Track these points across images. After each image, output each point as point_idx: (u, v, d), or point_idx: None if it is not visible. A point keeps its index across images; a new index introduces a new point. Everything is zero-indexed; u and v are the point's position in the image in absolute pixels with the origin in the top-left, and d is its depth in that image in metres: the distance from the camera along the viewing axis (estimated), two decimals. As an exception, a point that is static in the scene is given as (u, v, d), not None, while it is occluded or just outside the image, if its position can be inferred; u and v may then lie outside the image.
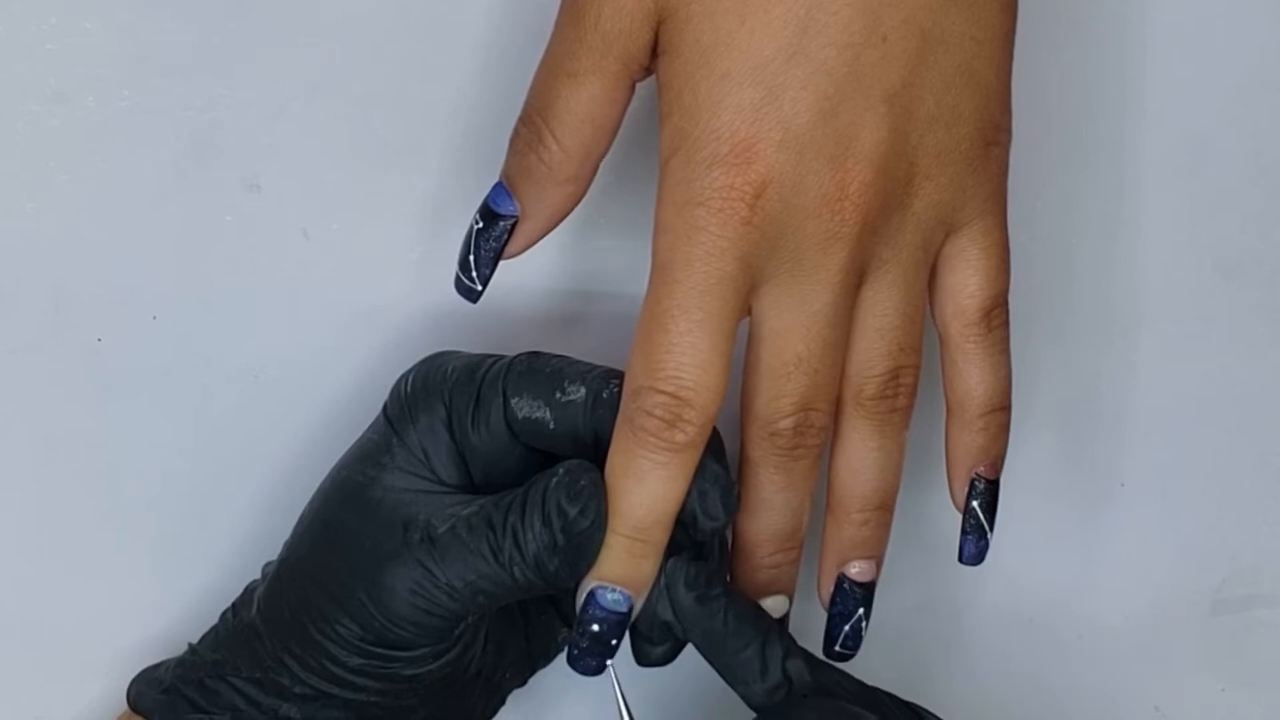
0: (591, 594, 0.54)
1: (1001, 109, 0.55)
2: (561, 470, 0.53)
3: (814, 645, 0.58)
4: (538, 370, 0.55)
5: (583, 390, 0.55)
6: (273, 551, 0.57)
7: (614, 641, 0.54)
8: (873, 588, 0.58)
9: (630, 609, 0.54)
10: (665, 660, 0.57)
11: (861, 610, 0.58)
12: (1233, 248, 0.67)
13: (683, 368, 0.52)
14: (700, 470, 0.53)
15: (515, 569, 0.53)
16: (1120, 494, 0.68)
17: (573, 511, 0.53)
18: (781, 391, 0.54)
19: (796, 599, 0.58)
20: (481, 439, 0.55)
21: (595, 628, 0.54)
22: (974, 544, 0.59)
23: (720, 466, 0.54)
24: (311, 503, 0.57)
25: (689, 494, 0.54)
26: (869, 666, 0.65)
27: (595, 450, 0.54)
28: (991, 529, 0.59)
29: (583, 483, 0.53)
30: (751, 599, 0.56)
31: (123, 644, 0.61)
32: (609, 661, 0.55)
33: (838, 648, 0.58)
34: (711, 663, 0.55)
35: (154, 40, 0.58)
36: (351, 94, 0.60)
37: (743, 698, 0.55)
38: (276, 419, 0.62)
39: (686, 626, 0.55)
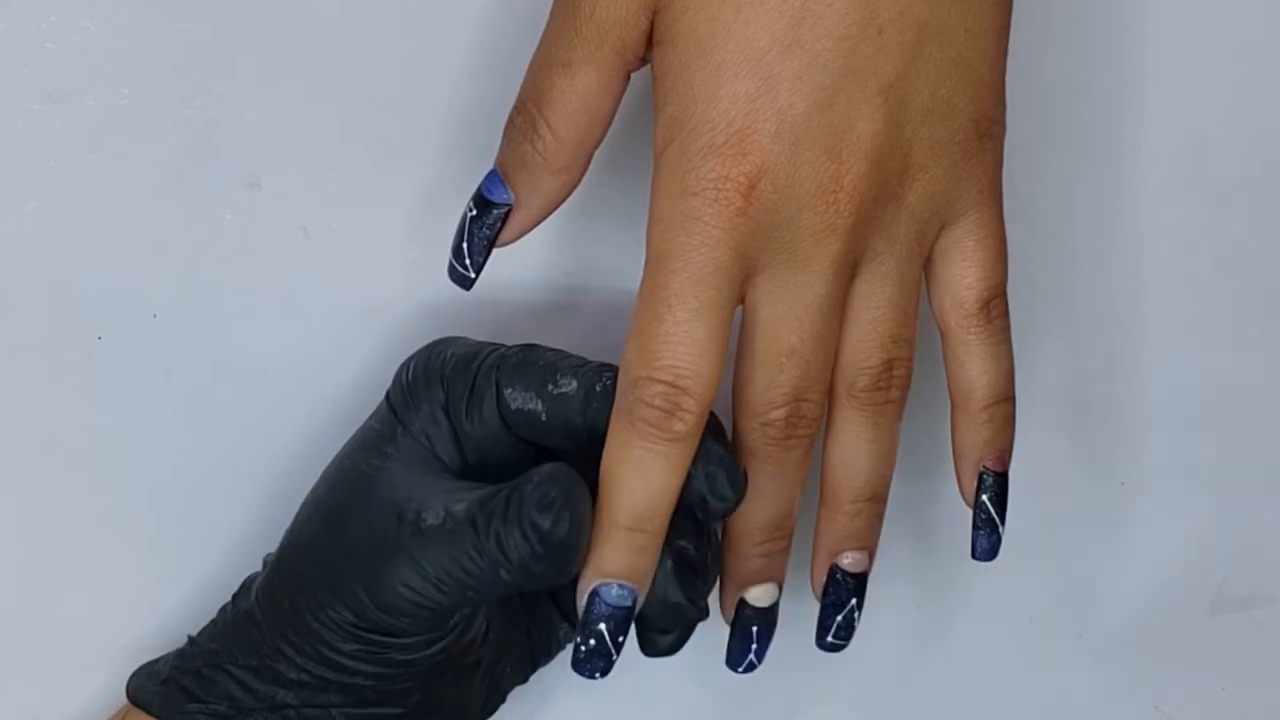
0: (595, 593, 0.53)
1: (995, 101, 0.55)
2: (534, 481, 0.53)
3: (806, 635, 0.58)
4: (531, 362, 0.55)
5: (575, 384, 0.55)
6: (271, 550, 0.57)
7: (620, 639, 0.54)
8: (865, 578, 0.58)
9: (634, 603, 0.54)
10: (673, 649, 0.57)
11: (854, 600, 0.58)
12: (1233, 247, 0.66)
13: (680, 357, 0.52)
14: (704, 453, 0.53)
15: (502, 570, 0.53)
16: (1120, 493, 0.68)
17: (545, 524, 0.52)
18: (774, 382, 0.54)
19: (788, 589, 0.58)
20: (475, 427, 0.55)
21: (601, 626, 0.53)
22: (986, 539, 0.59)
23: (723, 448, 0.54)
24: (315, 491, 0.57)
25: (696, 478, 0.54)
26: (868, 665, 0.66)
27: (589, 444, 0.54)
28: (1003, 523, 0.58)
29: (552, 495, 0.52)
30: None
31: (122, 641, 0.61)
32: None
33: (830, 638, 0.58)
34: None
35: (154, 40, 0.58)
36: (351, 93, 0.60)
37: None
38: (276, 418, 0.61)
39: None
